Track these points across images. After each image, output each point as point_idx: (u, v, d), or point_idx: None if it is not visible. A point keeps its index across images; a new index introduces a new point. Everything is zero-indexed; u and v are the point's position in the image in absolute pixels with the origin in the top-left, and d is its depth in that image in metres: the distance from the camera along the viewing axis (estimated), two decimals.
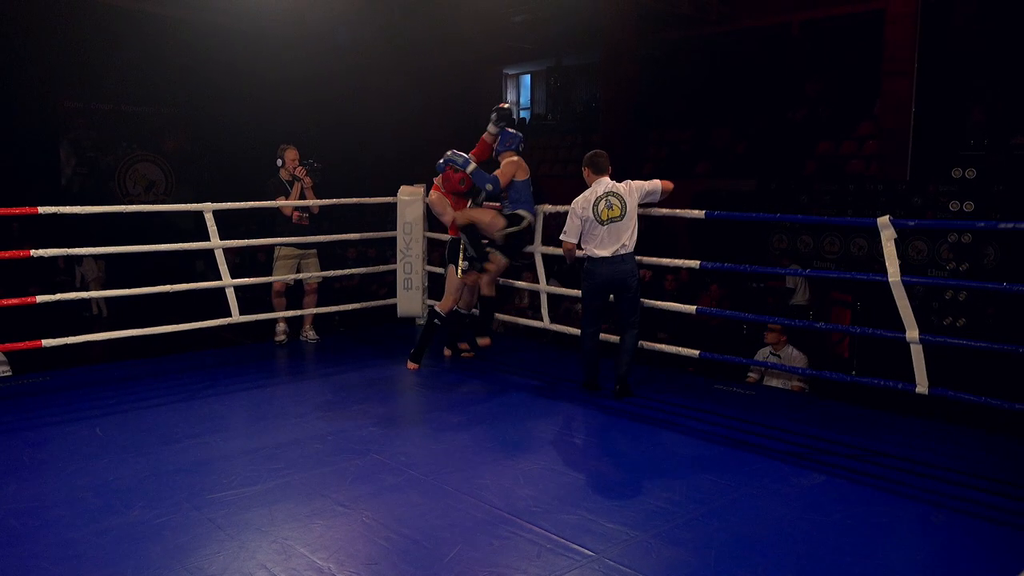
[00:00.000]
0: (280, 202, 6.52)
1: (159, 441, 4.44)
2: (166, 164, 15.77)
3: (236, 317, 6.25)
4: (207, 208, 5.98)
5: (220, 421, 4.98)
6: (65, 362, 6.38)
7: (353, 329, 8.73)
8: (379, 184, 8.40)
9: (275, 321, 6.85)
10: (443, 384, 5.69)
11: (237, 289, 6.32)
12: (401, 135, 15.60)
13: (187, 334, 6.27)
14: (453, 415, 5.01)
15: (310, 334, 7.01)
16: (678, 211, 5.73)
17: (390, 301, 7.52)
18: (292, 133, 14.90)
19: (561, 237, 5.26)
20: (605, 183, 5.16)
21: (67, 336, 5.56)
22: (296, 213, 6.61)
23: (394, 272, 7.47)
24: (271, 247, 6.74)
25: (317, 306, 7.04)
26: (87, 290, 11.63)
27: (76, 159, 15.21)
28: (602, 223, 5.08)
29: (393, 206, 7.33)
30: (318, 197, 6.67)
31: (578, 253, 5.34)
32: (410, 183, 7.38)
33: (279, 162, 6.59)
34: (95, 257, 12.48)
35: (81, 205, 5.72)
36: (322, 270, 6.98)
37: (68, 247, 5.70)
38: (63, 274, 12.71)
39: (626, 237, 5.15)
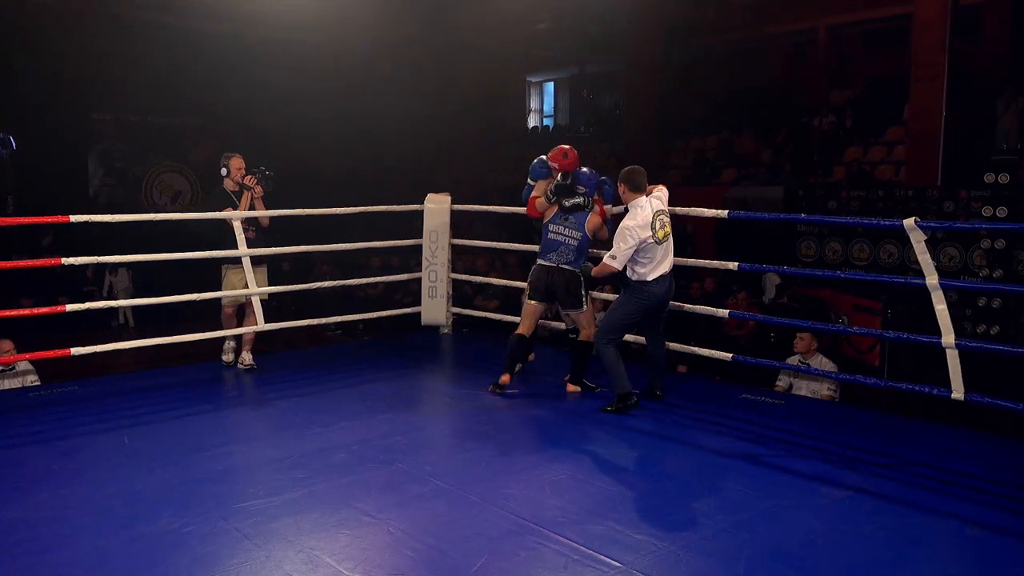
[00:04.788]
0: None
1: (186, 450, 4.46)
2: (192, 174, 15.97)
3: (262, 325, 6.28)
4: (235, 216, 6.02)
5: (246, 430, 5.02)
6: (93, 371, 6.46)
7: (377, 337, 8.77)
8: (402, 192, 8.44)
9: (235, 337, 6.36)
10: (469, 393, 5.68)
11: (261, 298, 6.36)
12: (424, 143, 15.69)
13: (213, 343, 6.33)
14: (479, 424, 4.99)
15: (246, 359, 6.30)
16: (703, 211, 5.69)
17: (414, 309, 7.53)
18: (314, 141, 15.13)
19: (611, 262, 5.00)
20: (649, 202, 5.06)
21: (95, 345, 5.62)
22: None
23: (417, 280, 7.49)
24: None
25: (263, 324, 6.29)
26: (116, 300, 11.78)
27: (104, 170, 15.44)
28: (659, 242, 5.01)
29: (412, 214, 7.35)
30: (269, 207, 6.23)
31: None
32: (434, 191, 7.41)
33: (223, 171, 6.16)
34: (126, 267, 12.64)
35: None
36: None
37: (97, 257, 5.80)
38: (91, 284, 12.88)
39: (672, 252, 5.16)
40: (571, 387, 5.61)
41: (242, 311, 6.37)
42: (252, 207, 6.14)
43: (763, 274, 8.98)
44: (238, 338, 6.37)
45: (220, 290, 6.22)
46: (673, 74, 14.87)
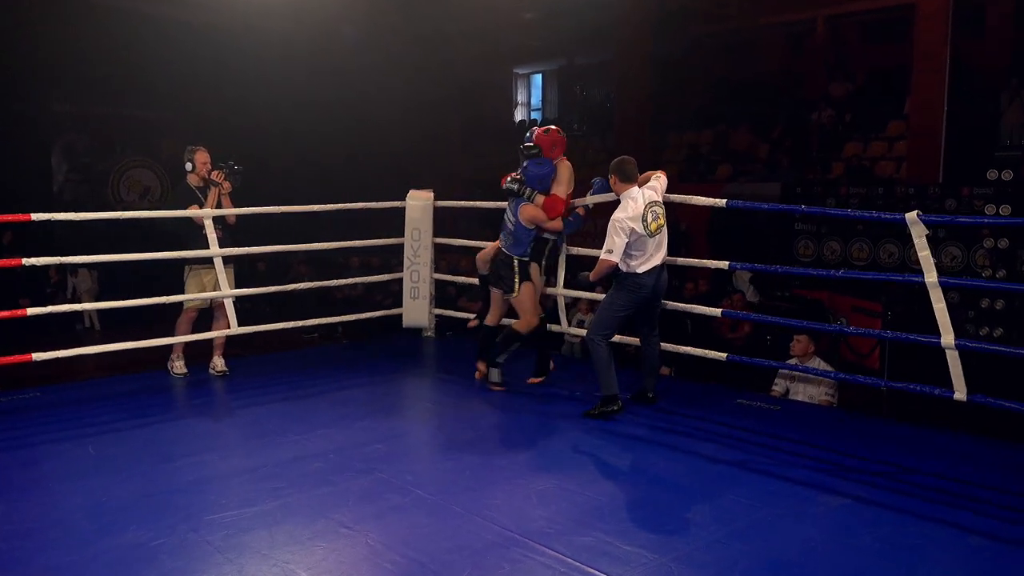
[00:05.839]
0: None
1: (154, 460, 4.45)
2: (161, 170, 15.85)
3: (235, 329, 6.26)
4: (207, 215, 5.98)
5: (218, 439, 5.00)
6: (56, 377, 6.41)
7: (356, 340, 8.75)
8: (383, 188, 8.42)
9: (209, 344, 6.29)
10: (452, 399, 5.69)
11: (238, 298, 6.34)
12: (406, 137, 15.64)
13: (186, 346, 6.28)
14: (462, 431, 5.00)
15: (218, 364, 6.27)
16: (699, 199, 5.72)
17: (396, 311, 7.52)
18: (292, 135, 15.05)
19: (608, 256, 5.01)
20: (641, 192, 5.09)
21: (58, 350, 5.58)
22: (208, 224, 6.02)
23: (398, 281, 7.48)
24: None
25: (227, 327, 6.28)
26: (79, 302, 11.70)
27: (68, 165, 15.30)
28: (651, 235, 5.05)
29: (392, 211, 7.33)
30: (236, 203, 6.15)
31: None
32: (416, 186, 7.40)
33: (187, 166, 6.09)
34: (88, 268, 12.54)
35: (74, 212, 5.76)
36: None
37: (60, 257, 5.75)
38: (54, 286, 12.77)
39: (666, 244, 5.21)
40: (532, 380, 5.84)
41: (206, 316, 6.32)
42: (219, 204, 6.07)
43: (733, 273, 9.04)
44: (190, 345, 6.28)
45: (185, 292, 6.15)
46: (666, 66, 14.89)
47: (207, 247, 6.01)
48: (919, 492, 4.06)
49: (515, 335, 5.73)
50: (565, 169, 5.70)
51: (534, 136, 5.64)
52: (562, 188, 5.67)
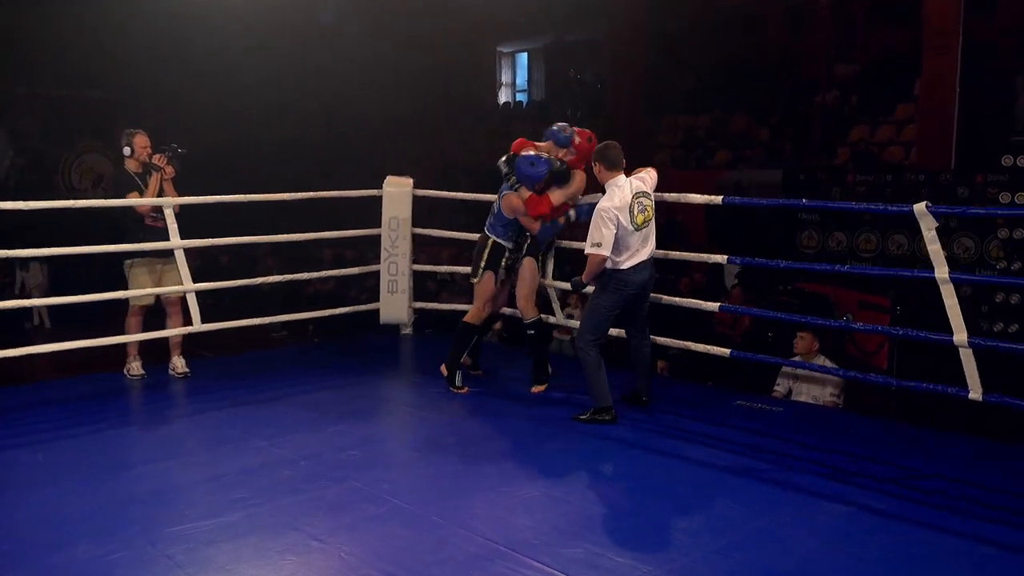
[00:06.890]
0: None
1: (111, 468, 4.42)
2: (117, 156, 15.77)
3: (198, 326, 6.22)
4: (167, 203, 5.94)
5: (179, 445, 4.97)
6: (3, 380, 6.36)
7: (329, 339, 8.72)
8: (358, 175, 8.40)
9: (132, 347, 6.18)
10: (432, 401, 5.67)
11: (199, 295, 6.29)
12: (383, 121, 15.61)
13: (141, 346, 6.24)
14: (443, 436, 5.00)
15: (178, 365, 6.24)
16: (694, 196, 5.73)
17: (371, 306, 7.50)
18: (265, 121, 14.96)
19: (594, 250, 4.96)
20: (629, 182, 5.08)
21: (4, 349, 5.52)
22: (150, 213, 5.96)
23: (373, 276, 7.45)
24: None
25: (184, 324, 6.25)
26: (28, 298, 11.60)
27: (15, 150, 15.17)
28: (638, 228, 5.04)
29: (368, 200, 7.31)
30: (179, 191, 6.09)
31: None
32: (394, 173, 7.37)
33: (126, 151, 6.03)
34: (40, 262, 12.46)
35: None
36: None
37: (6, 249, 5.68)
38: (0, 282, 12.69)
39: (653, 239, 5.20)
40: (535, 389, 5.81)
41: (158, 314, 6.25)
42: (161, 191, 6.01)
43: (724, 269, 9.07)
44: (149, 346, 6.23)
45: (137, 289, 6.08)
46: (660, 44, 14.90)
47: (146, 239, 5.95)
48: (926, 498, 4.08)
49: (469, 328, 5.81)
50: (576, 184, 5.69)
51: (576, 142, 5.61)
52: (559, 196, 5.62)
